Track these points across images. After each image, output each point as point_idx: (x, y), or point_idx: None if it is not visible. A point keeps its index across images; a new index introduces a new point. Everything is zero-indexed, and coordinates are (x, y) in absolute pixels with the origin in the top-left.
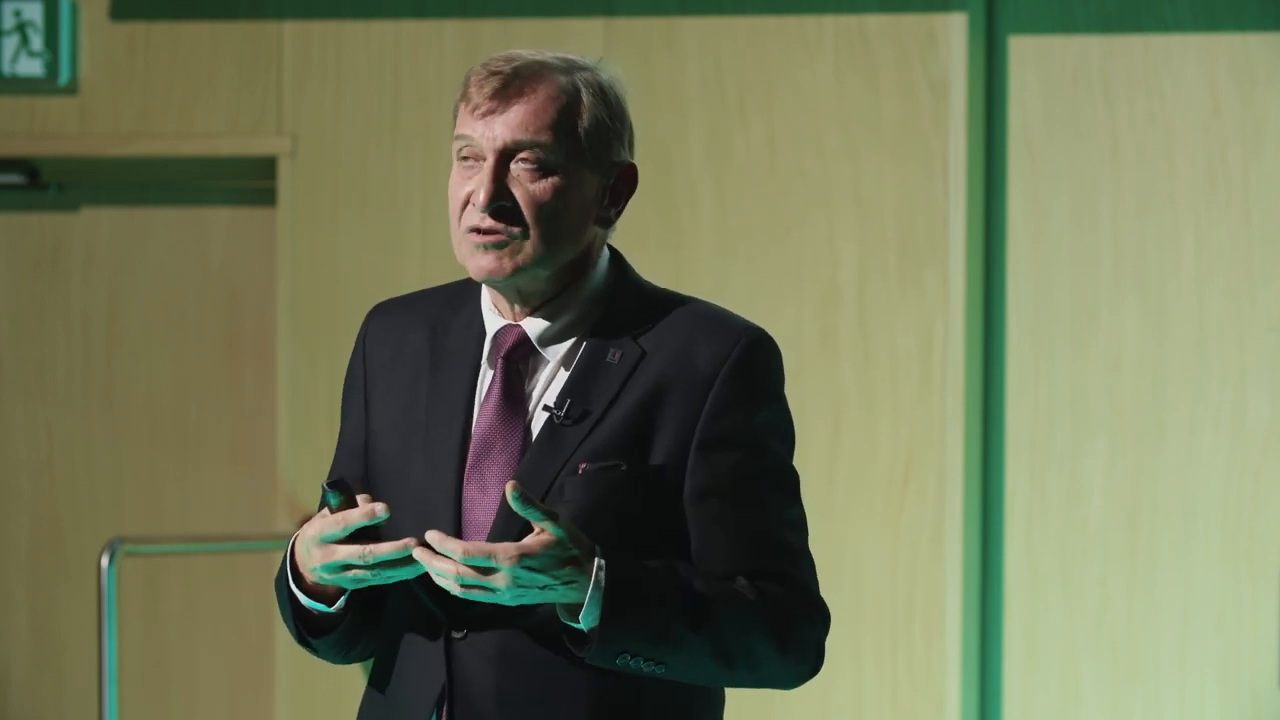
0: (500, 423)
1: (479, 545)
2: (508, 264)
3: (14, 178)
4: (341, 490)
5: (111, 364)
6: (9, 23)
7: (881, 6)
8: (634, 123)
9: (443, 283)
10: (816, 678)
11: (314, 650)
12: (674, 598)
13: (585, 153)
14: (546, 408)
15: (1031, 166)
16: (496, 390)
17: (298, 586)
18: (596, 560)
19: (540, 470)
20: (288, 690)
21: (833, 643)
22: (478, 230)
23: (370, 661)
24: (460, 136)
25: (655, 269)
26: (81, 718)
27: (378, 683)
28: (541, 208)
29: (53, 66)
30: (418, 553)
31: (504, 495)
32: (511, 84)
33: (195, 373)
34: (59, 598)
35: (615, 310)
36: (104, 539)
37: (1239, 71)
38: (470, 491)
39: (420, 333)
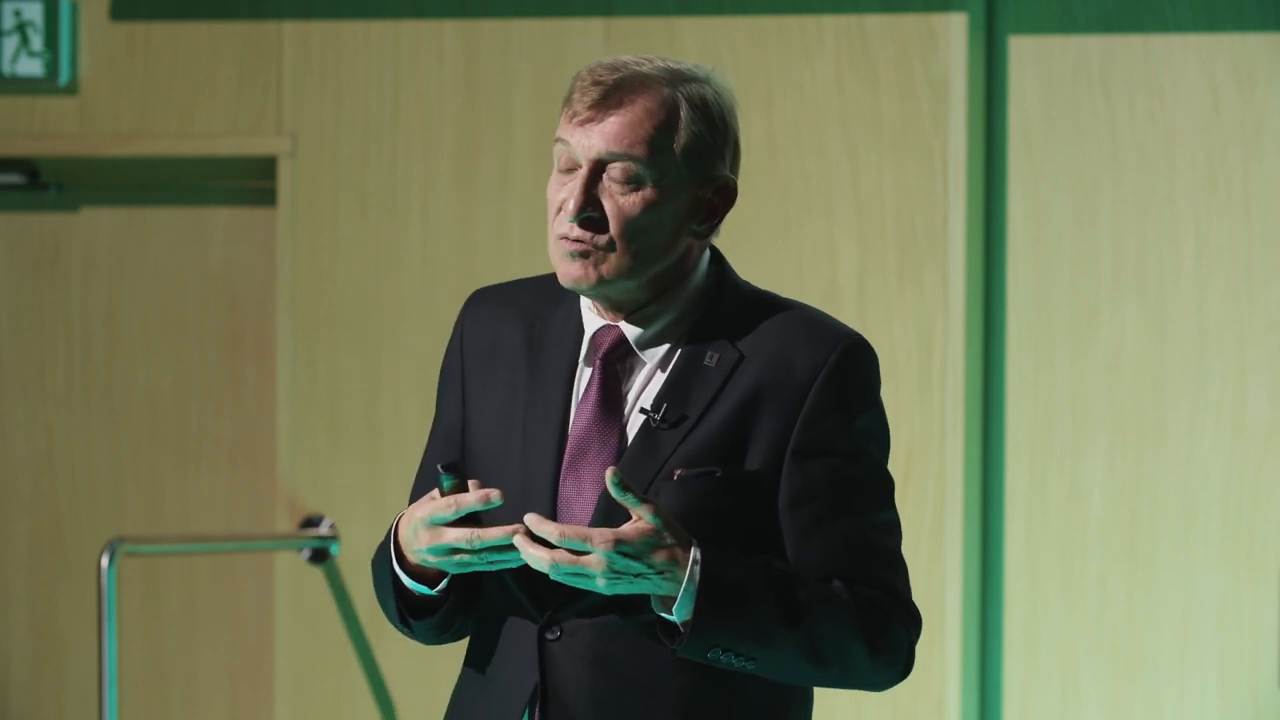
0: (597, 424)
1: (576, 529)
2: (593, 274)
3: (14, 178)
4: (455, 473)
5: (111, 364)
6: (9, 23)
7: (881, 6)
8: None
9: (436, 276)
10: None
11: (411, 631)
12: (769, 595)
13: (680, 168)
14: (643, 410)
15: (1031, 166)
16: (594, 391)
17: (400, 567)
18: (693, 552)
19: (636, 474)
20: (288, 690)
21: None
22: (566, 238)
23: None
24: (560, 141)
25: None
26: (81, 718)
27: (470, 677)
28: (629, 222)
29: (53, 66)
30: (517, 539)
31: (601, 494)
32: (612, 95)
33: (195, 373)
34: (59, 598)
35: (713, 313)
36: (104, 539)
37: (1239, 71)
38: (566, 491)
39: (518, 326)
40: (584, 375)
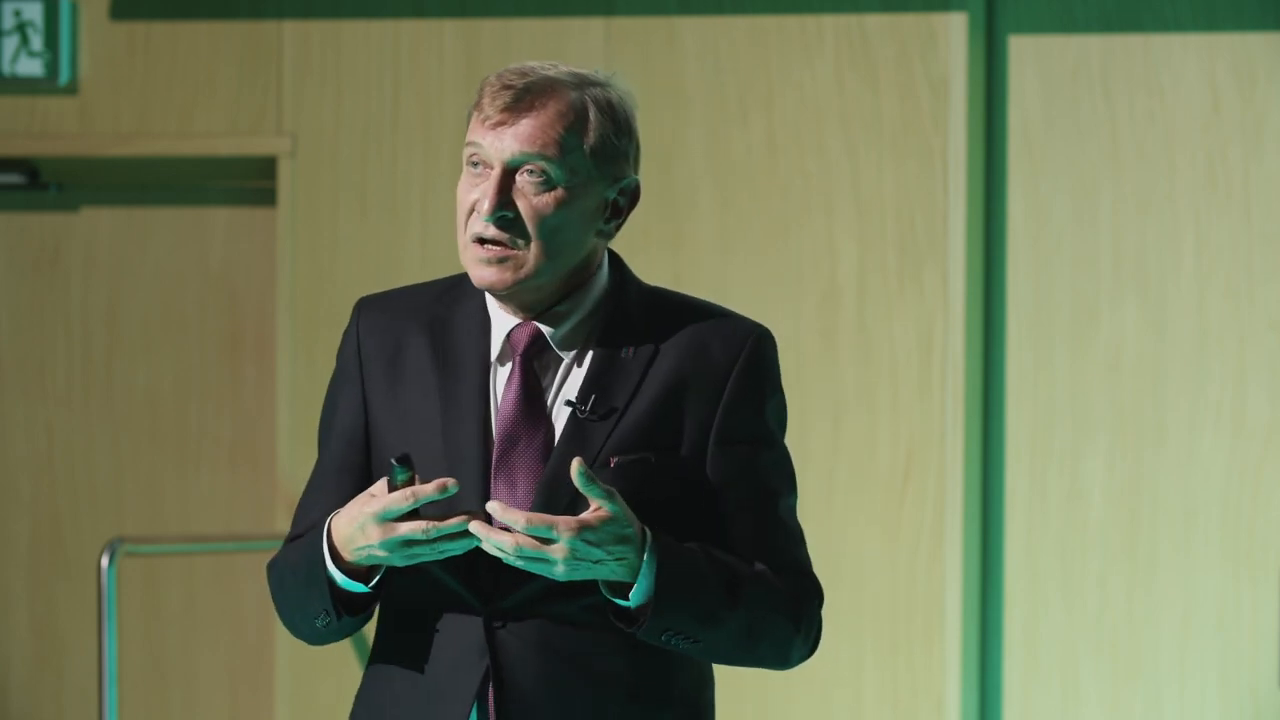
0: (522, 419)
1: (542, 516)
2: (509, 277)
3: (14, 178)
4: (408, 465)
5: (111, 364)
6: (9, 23)
7: (881, 6)
8: (638, 123)
9: (435, 276)
10: (816, 678)
11: (322, 633)
12: (714, 579)
13: (590, 168)
14: (569, 403)
15: (1031, 166)
16: (516, 388)
17: (336, 567)
18: (648, 540)
19: (570, 465)
20: (288, 690)
21: (832, 643)
22: (481, 240)
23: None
24: (471, 144)
25: (655, 269)
26: (81, 718)
27: (386, 674)
28: (544, 221)
29: (53, 66)
30: (475, 526)
31: (538, 486)
32: (523, 98)
33: (195, 373)
34: (59, 598)
35: (622, 310)
36: (104, 539)
37: (1239, 71)
38: (498, 487)
39: (419, 330)
40: (500, 373)
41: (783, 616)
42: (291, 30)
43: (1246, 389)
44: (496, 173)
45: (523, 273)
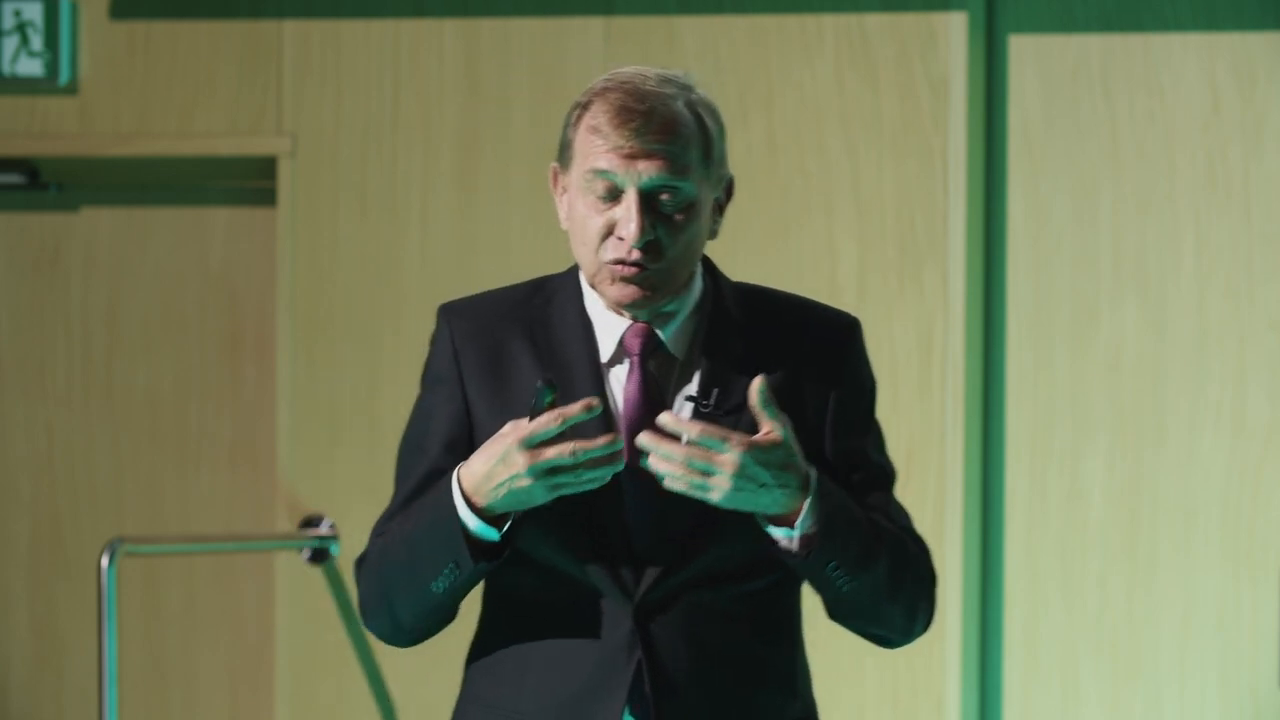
0: (649, 414)
1: (714, 429)
2: (654, 296)
3: (14, 178)
4: (553, 387)
5: (111, 364)
6: (9, 23)
7: (881, 5)
8: None
9: (436, 276)
10: (818, 678)
11: (432, 606)
12: (866, 522)
13: (707, 176)
14: (691, 398)
15: (1031, 165)
16: (637, 388)
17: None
18: (811, 471)
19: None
20: (288, 690)
21: (833, 643)
22: (623, 263)
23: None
24: (601, 172)
25: None
26: (81, 718)
27: (515, 672)
28: (681, 238)
29: (53, 66)
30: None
31: (658, 486)
32: (650, 124)
33: (195, 373)
34: (59, 598)
35: (722, 307)
36: (104, 539)
37: (1239, 70)
38: (629, 484)
39: (518, 333)
40: (615, 374)
41: (914, 575)
42: (291, 30)
43: (1246, 389)
44: (636, 200)
45: (665, 290)
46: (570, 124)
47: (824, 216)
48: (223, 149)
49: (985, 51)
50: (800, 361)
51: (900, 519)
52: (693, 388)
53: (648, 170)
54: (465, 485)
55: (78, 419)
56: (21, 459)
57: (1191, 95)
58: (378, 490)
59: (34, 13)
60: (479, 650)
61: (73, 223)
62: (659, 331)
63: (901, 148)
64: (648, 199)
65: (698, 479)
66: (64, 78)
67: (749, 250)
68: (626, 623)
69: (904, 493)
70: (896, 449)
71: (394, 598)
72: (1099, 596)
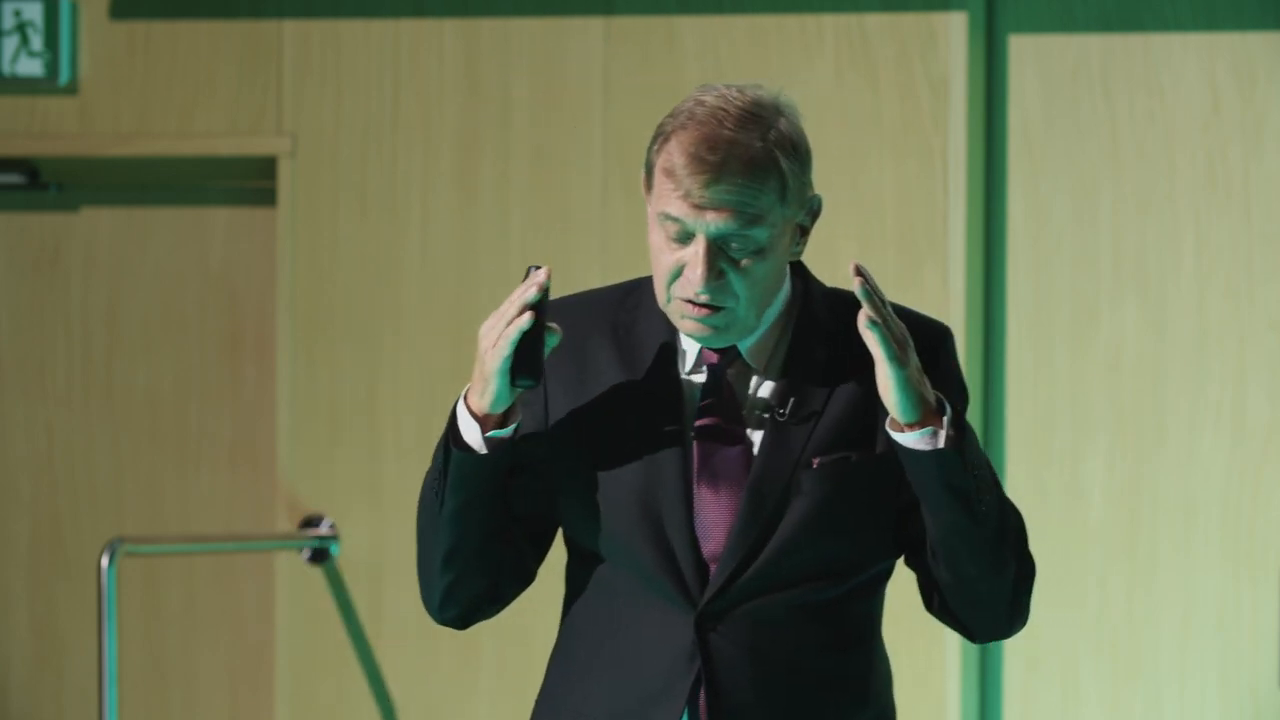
0: (722, 425)
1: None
2: (723, 335)
3: (14, 178)
4: (543, 294)
5: (111, 364)
6: (9, 23)
7: (881, 5)
8: (638, 122)
9: (436, 276)
10: None
11: (438, 513)
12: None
13: (785, 213)
14: (769, 407)
15: (1031, 165)
16: (712, 395)
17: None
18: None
19: (775, 467)
20: (288, 690)
21: None
22: (692, 303)
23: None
24: (671, 218)
25: None
26: (81, 718)
27: (584, 678)
28: (753, 279)
29: (53, 66)
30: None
31: (745, 491)
32: (723, 176)
33: (195, 373)
34: (59, 598)
35: (808, 315)
36: (104, 539)
37: (1239, 70)
38: (701, 492)
39: (602, 335)
40: (696, 379)
41: (1022, 549)
42: (291, 30)
43: (1246, 389)
44: (705, 248)
45: (737, 329)
46: (652, 150)
47: (824, 216)
48: (223, 149)
49: (985, 51)
50: None
51: None
52: (771, 397)
53: (716, 221)
54: (470, 400)
55: (78, 419)
56: (21, 459)
57: (1191, 95)
58: (378, 490)
59: (34, 13)
60: (557, 649)
61: (73, 223)
62: (739, 345)
63: (901, 148)
64: (717, 245)
65: (879, 319)
66: (64, 78)
67: None
68: (689, 632)
69: None
70: None
71: (421, 541)
72: (1099, 596)
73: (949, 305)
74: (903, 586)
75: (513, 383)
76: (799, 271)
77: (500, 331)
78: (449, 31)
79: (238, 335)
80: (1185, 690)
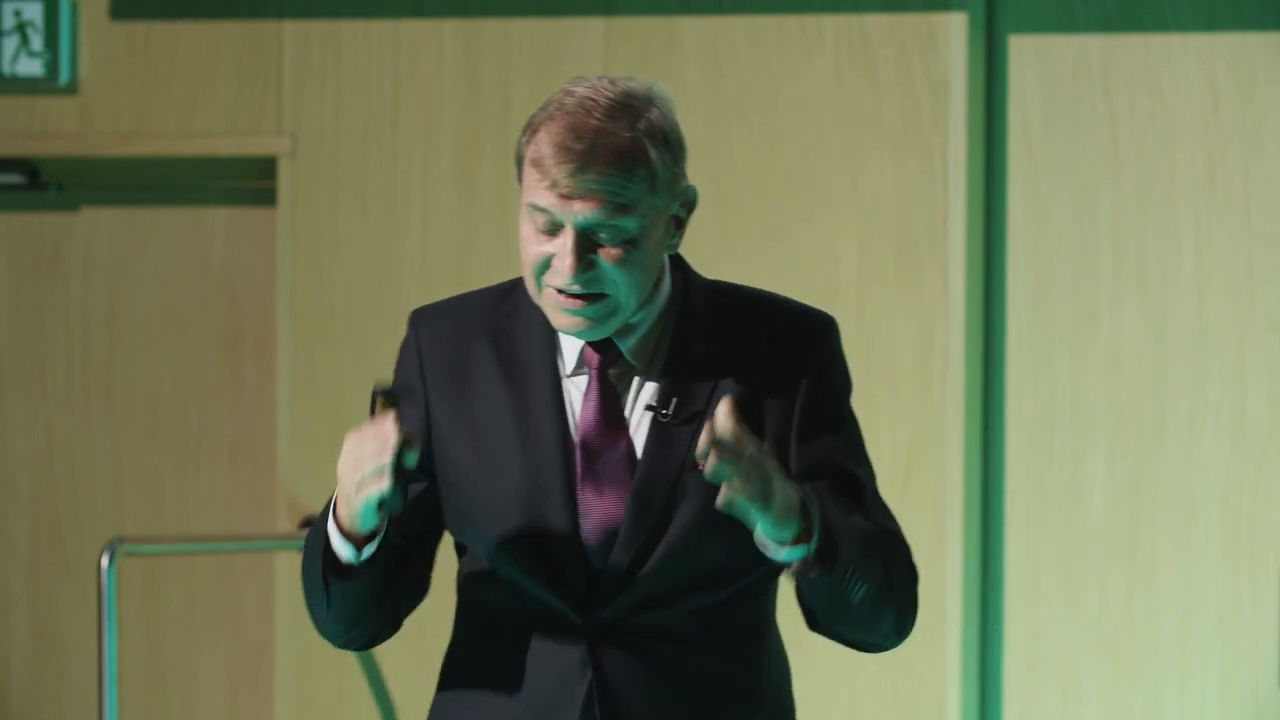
0: (605, 428)
1: (735, 431)
2: (600, 327)
3: (14, 178)
4: (394, 398)
5: (111, 364)
6: (9, 23)
7: (881, 6)
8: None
9: (436, 276)
10: (817, 677)
11: (326, 608)
12: (852, 523)
13: (656, 202)
14: (650, 408)
15: (1031, 166)
16: (594, 399)
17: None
18: (803, 488)
19: (661, 470)
20: (288, 690)
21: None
22: (564, 292)
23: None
24: (538, 208)
25: None
26: (81, 718)
27: (474, 693)
28: (625, 268)
29: (53, 66)
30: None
31: (631, 494)
32: (589, 164)
33: (195, 373)
34: (59, 598)
35: (689, 311)
36: (104, 539)
37: (1239, 71)
38: (585, 497)
39: (481, 340)
40: (574, 385)
41: (902, 569)
42: (291, 30)
43: (1246, 389)
44: (573, 238)
45: (612, 320)
46: (521, 141)
47: (824, 217)
48: (223, 149)
49: (985, 52)
50: (767, 364)
51: (879, 516)
52: (653, 398)
53: (584, 210)
54: (339, 510)
55: (78, 419)
56: (21, 459)
57: (1191, 95)
58: None
59: (34, 13)
60: (448, 665)
61: (73, 223)
62: (620, 343)
63: (901, 148)
64: (586, 235)
65: (722, 457)
66: (64, 78)
67: (749, 250)
68: (580, 644)
69: (904, 493)
70: (896, 449)
71: (309, 599)
72: (1099, 596)
73: (949, 305)
74: None
75: (378, 509)
76: (680, 266)
77: (360, 484)
78: (449, 31)
79: (238, 335)
80: (1185, 690)
